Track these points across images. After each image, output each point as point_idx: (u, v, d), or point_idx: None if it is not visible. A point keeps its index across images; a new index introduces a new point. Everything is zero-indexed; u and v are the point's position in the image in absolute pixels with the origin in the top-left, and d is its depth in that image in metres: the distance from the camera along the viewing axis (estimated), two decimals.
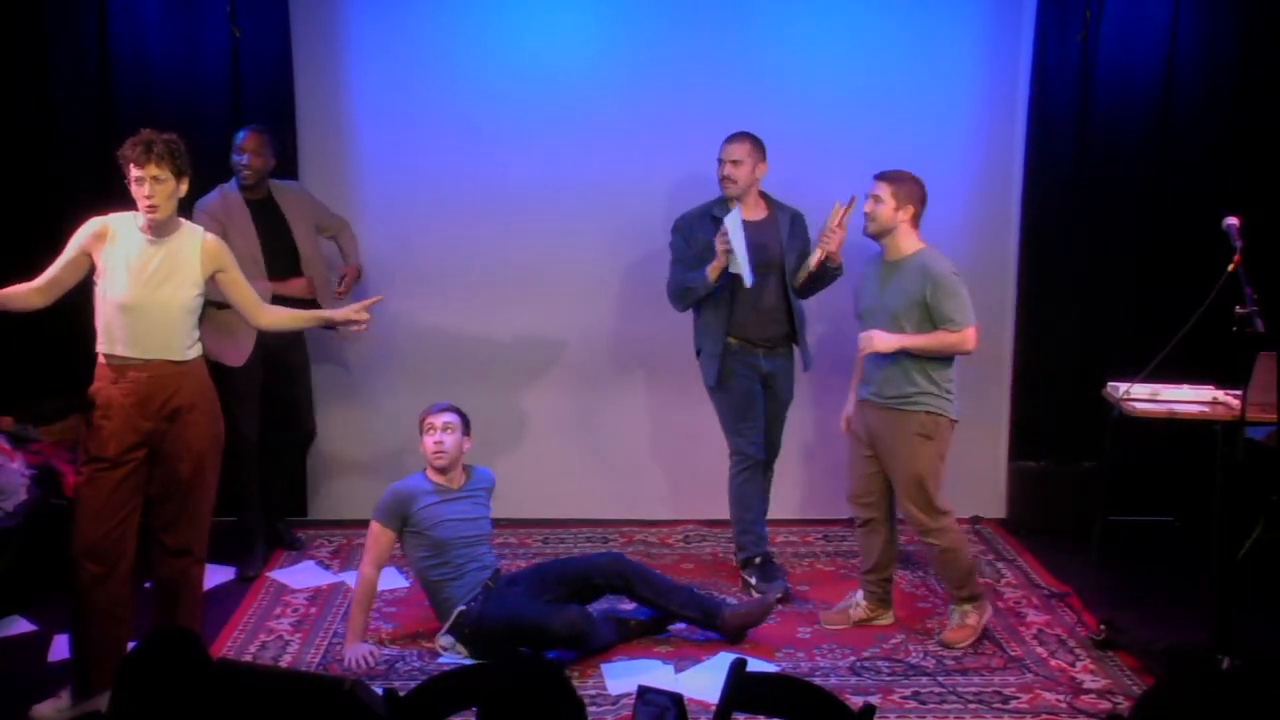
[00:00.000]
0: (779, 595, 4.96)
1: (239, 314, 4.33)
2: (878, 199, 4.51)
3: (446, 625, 4.53)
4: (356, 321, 4.31)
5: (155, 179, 3.90)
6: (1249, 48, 5.66)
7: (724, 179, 5.02)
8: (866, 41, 5.76)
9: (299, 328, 4.68)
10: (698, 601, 4.68)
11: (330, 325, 4.44)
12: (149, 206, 3.94)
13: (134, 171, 3.92)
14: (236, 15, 5.52)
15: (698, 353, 5.17)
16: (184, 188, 4.00)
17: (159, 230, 3.99)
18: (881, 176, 4.54)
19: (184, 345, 4.04)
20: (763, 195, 5.11)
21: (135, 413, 3.99)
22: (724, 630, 4.61)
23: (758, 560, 5.18)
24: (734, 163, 4.99)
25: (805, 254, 4.98)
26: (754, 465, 5.18)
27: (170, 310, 3.99)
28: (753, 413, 5.15)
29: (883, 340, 4.47)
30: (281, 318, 4.39)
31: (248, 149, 5.13)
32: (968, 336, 4.48)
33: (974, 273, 5.70)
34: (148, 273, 3.97)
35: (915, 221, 4.54)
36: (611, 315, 5.88)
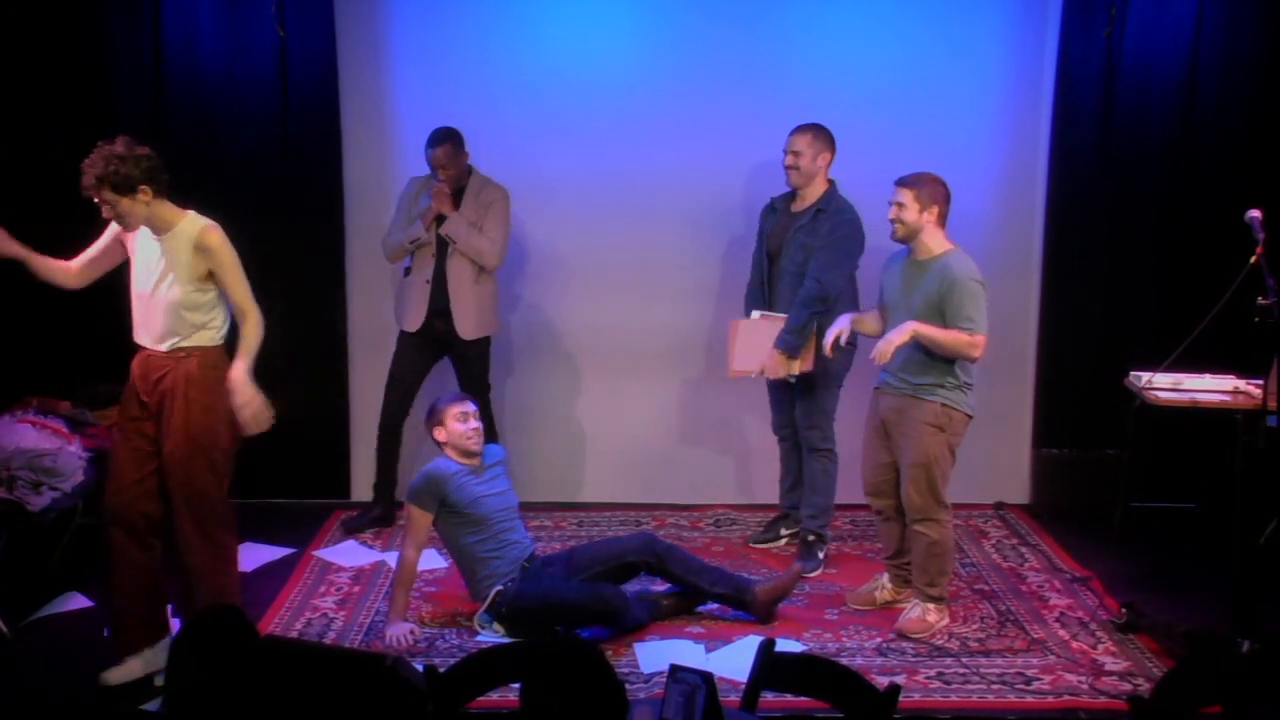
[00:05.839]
0: (805, 568, 5.09)
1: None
2: (901, 205, 4.51)
3: (484, 605, 4.60)
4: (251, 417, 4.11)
5: (102, 204, 4.00)
6: (1272, 43, 5.64)
7: (786, 169, 5.10)
8: (893, 37, 5.76)
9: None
10: (729, 579, 4.75)
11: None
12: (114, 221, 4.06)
13: None
14: (283, 16, 5.58)
15: None
16: (144, 195, 3.98)
17: (156, 230, 4.06)
18: (901, 182, 4.54)
19: (172, 339, 4.08)
20: (828, 184, 5.12)
21: (139, 385, 4.12)
22: (755, 606, 4.66)
23: (794, 530, 5.42)
24: (794, 154, 5.07)
25: (812, 249, 5.01)
26: (781, 441, 5.38)
27: (163, 305, 4.06)
28: (773, 395, 5.37)
29: (898, 336, 4.44)
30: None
31: (440, 162, 5.29)
32: (977, 342, 4.45)
33: (999, 264, 5.78)
34: (149, 267, 4.08)
35: (941, 221, 4.55)
36: (644, 304, 5.93)
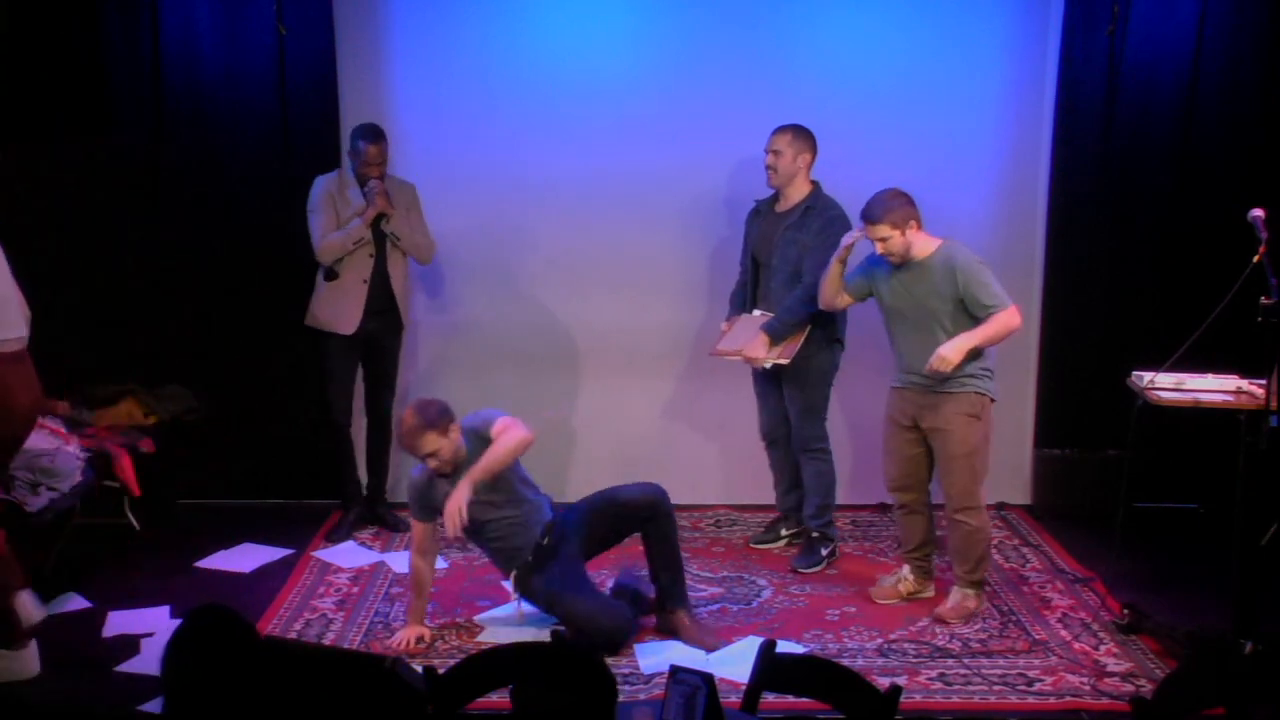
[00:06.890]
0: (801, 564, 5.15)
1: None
2: (885, 240, 4.52)
3: (510, 576, 4.59)
4: None
5: None
6: (1275, 42, 5.61)
7: (766, 169, 5.12)
8: (893, 36, 5.73)
9: None
10: (676, 579, 4.60)
11: None
12: None
13: None
14: (282, 13, 5.57)
15: None
16: None
17: None
18: (874, 219, 4.51)
19: None
20: (812, 185, 5.13)
21: None
22: (672, 619, 4.55)
23: (795, 530, 5.43)
24: (774, 153, 5.09)
25: (805, 245, 5.02)
26: (769, 447, 5.41)
27: None
28: (761, 399, 5.40)
29: (955, 352, 4.46)
30: None
31: (376, 159, 5.25)
32: (1012, 313, 4.52)
33: (1000, 263, 5.69)
34: None
35: (920, 224, 4.57)
36: (643, 304, 5.91)
